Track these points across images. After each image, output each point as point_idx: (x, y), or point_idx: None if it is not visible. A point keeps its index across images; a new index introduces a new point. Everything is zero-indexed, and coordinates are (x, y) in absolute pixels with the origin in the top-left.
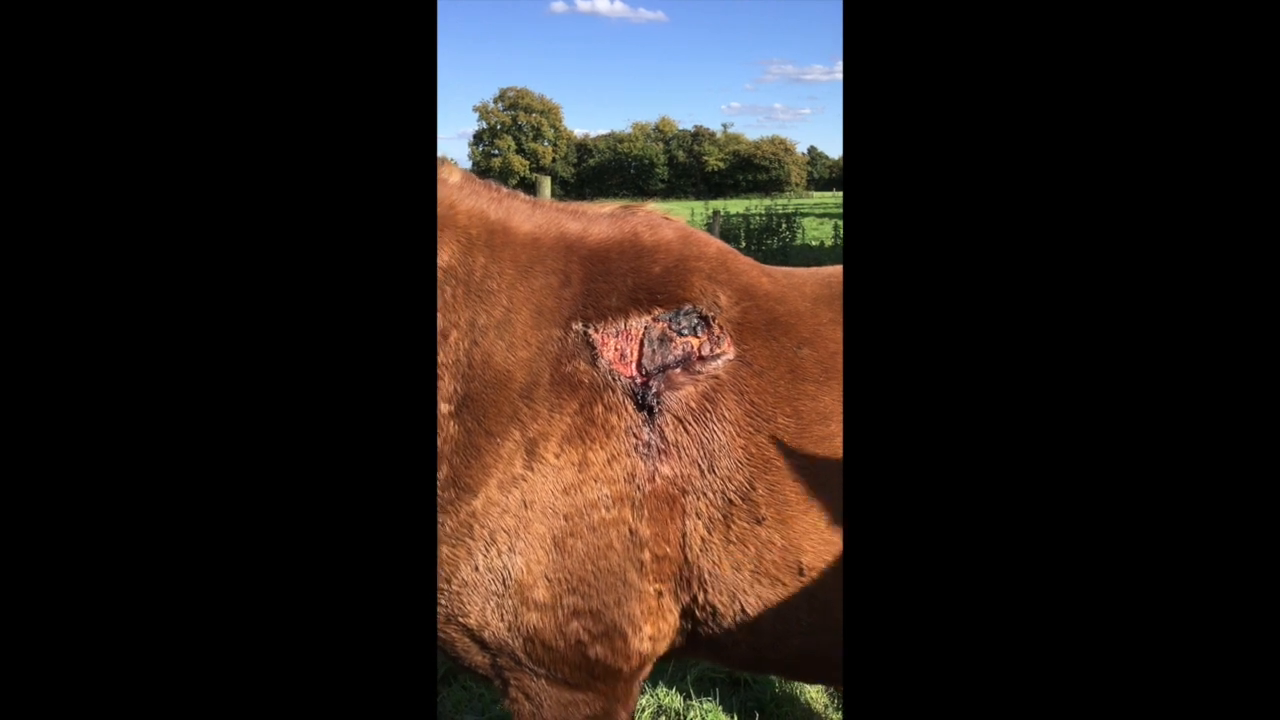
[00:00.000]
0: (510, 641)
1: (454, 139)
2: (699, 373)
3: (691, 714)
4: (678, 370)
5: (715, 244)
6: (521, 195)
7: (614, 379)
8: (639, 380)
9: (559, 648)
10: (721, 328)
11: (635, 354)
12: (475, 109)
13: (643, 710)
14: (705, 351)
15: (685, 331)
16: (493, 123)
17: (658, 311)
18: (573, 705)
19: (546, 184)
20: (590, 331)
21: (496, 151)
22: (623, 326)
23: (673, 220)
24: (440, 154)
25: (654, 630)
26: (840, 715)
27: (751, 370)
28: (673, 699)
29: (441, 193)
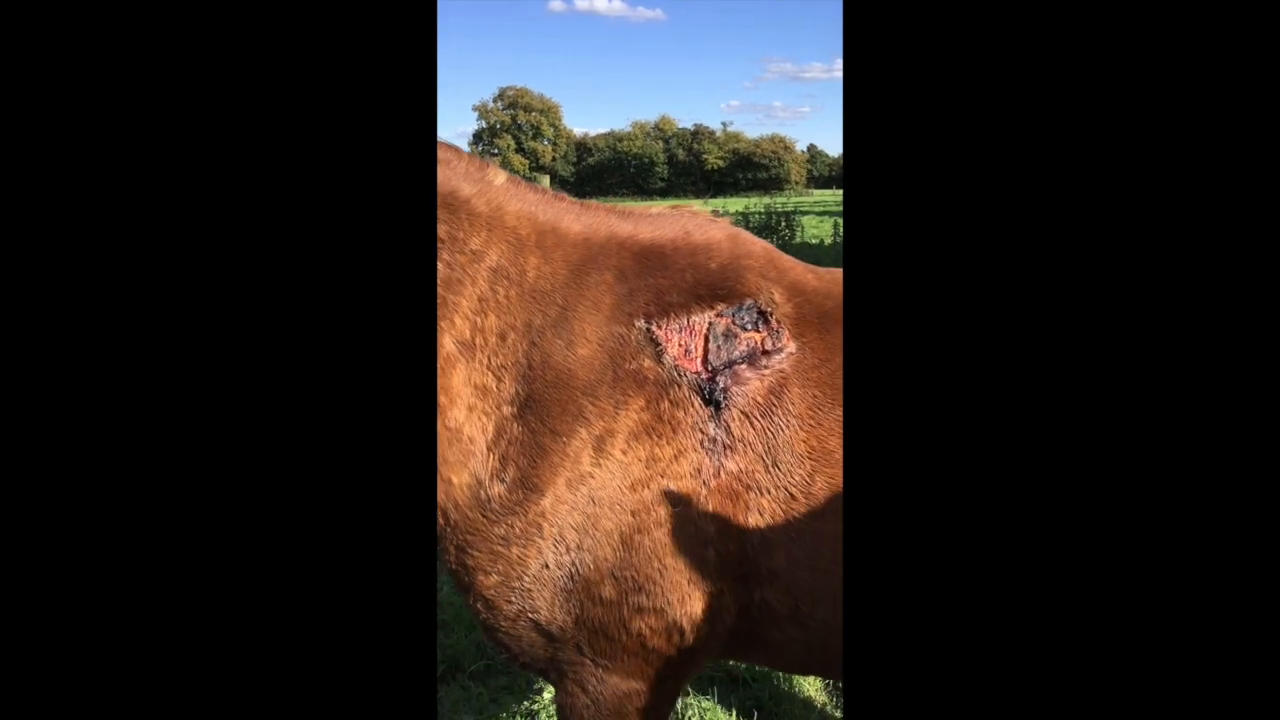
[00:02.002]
0: (576, 634)
1: (454, 138)
2: (765, 367)
3: (690, 712)
4: (744, 365)
5: (760, 243)
6: (568, 197)
7: (680, 375)
8: (705, 375)
9: (622, 640)
10: (779, 322)
11: (700, 349)
12: (475, 108)
13: None
14: (768, 346)
15: (748, 327)
16: (492, 122)
17: (720, 307)
18: (628, 697)
19: (545, 182)
20: (653, 328)
21: (496, 150)
22: (686, 322)
23: (718, 220)
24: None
25: (711, 629)
26: (839, 713)
27: (811, 364)
28: None
29: (488, 194)
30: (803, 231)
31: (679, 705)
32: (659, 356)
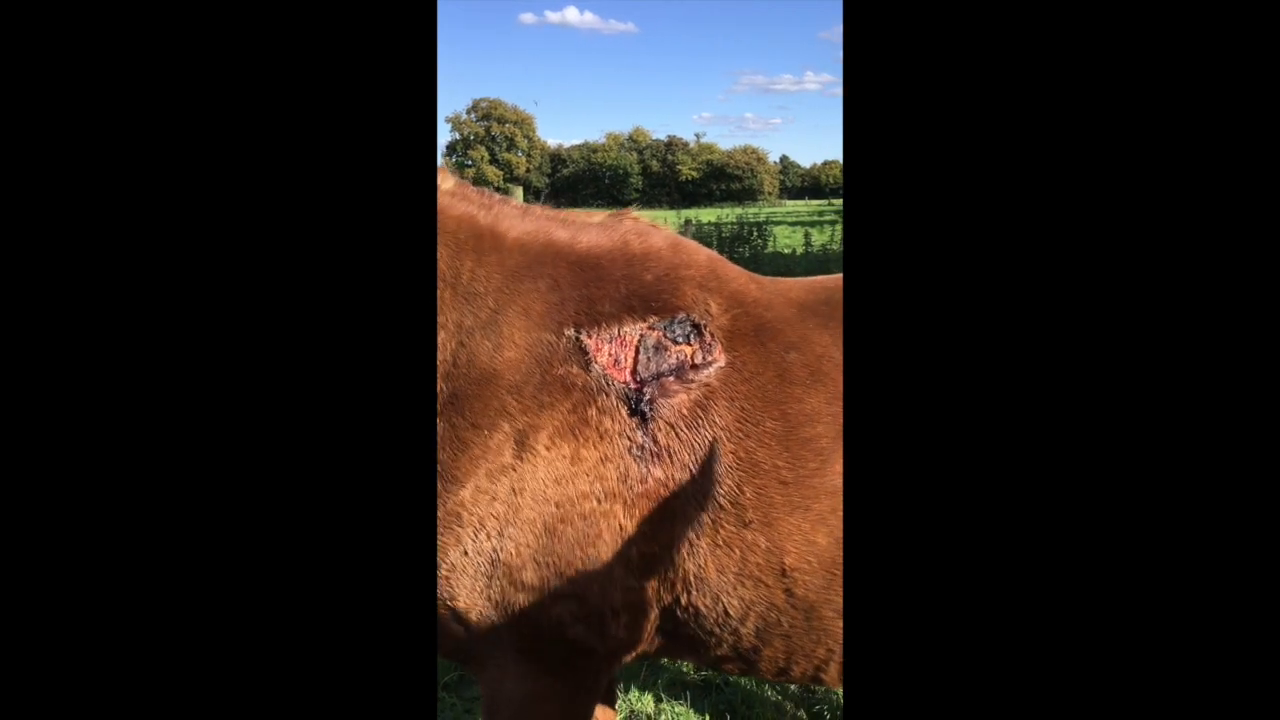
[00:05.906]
0: (497, 621)
1: None
2: (692, 380)
3: (663, 717)
4: (671, 378)
5: (704, 252)
6: (512, 202)
7: (608, 384)
8: (633, 386)
9: (542, 627)
10: (713, 335)
11: (630, 360)
12: (448, 120)
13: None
14: (698, 359)
15: (679, 339)
16: (466, 134)
17: (652, 319)
18: (547, 687)
19: (518, 193)
20: (583, 337)
21: (470, 162)
22: (617, 333)
23: (660, 228)
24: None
25: (630, 620)
26: (804, 714)
27: (742, 376)
28: (644, 703)
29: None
30: (775, 241)
31: (652, 710)
32: (587, 365)
